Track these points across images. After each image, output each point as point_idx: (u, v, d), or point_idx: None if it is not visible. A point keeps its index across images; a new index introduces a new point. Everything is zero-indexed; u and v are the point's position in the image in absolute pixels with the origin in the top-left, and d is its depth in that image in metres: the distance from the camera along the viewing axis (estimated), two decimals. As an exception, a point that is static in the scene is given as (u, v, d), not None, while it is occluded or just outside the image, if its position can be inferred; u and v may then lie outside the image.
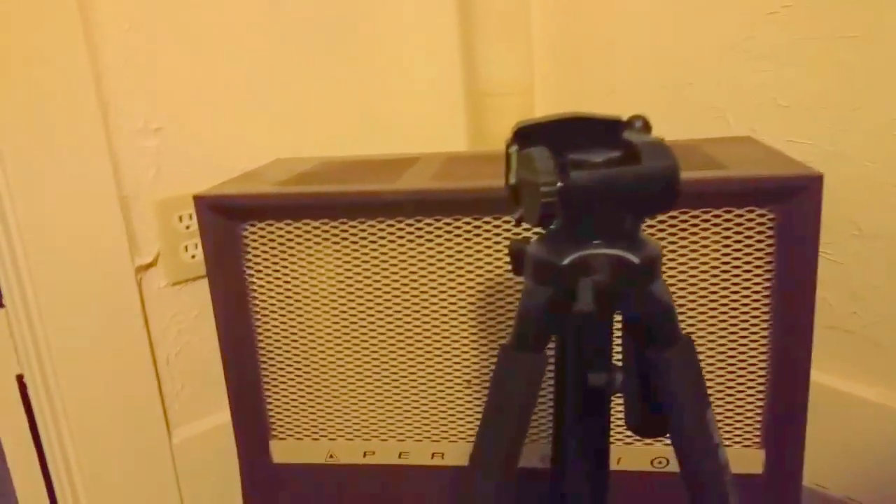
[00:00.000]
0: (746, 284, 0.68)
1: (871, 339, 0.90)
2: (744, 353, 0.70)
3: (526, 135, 0.43)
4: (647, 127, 0.44)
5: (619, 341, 0.45)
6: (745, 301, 0.68)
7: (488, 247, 0.71)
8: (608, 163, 0.40)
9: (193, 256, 0.93)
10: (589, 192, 0.40)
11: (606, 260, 0.40)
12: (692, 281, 0.68)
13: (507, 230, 0.70)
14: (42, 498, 1.04)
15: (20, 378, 0.97)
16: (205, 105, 0.94)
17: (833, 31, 0.86)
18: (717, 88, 0.98)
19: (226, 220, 0.74)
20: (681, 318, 0.69)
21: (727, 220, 0.66)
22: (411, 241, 0.72)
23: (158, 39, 0.89)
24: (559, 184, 0.39)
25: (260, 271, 0.76)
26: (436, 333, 0.74)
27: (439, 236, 0.71)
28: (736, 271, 0.67)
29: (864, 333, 0.91)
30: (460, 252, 0.72)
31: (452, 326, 0.74)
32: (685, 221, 0.67)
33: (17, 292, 0.86)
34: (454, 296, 0.73)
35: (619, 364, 0.45)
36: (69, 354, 0.87)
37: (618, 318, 0.44)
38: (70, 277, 0.85)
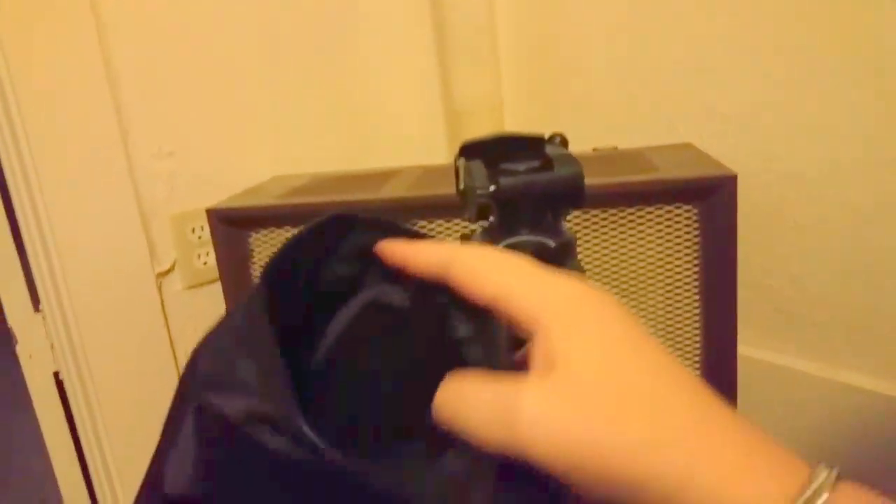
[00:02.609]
0: (678, 272, 0.79)
1: (811, 319, 1.01)
2: (679, 333, 0.81)
3: (469, 149, 0.55)
4: (564, 142, 0.56)
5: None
6: (677, 287, 0.79)
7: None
8: (529, 171, 0.52)
9: (205, 263, 1.05)
10: (514, 194, 0.51)
11: (530, 245, 0.52)
12: (630, 271, 0.80)
13: (466, 227, 0.81)
14: (80, 483, 1.15)
15: (56, 375, 1.09)
16: (211, 130, 1.05)
17: (764, 50, 0.97)
18: (669, 100, 1.09)
19: (234, 229, 0.86)
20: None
21: (658, 216, 0.78)
22: (393, 242, 0.83)
23: (168, 75, 1.00)
24: (491, 188, 0.51)
25: (264, 273, 0.88)
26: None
27: (417, 237, 0.83)
28: (668, 260, 0.79)
29: (805, 314, 1.02)
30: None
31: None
32: (623, 217, 0.78)
33: (53, 298, 0.97)
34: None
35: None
36: (100, 352, 0.97)
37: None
38: (99, 284, 0.96)
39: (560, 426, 0.26)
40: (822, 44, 0.92)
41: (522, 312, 0.28)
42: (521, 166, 0.52)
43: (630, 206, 0.78)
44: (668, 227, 0.78)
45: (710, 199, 0.75)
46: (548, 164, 0.52)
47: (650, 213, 0.78)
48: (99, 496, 1.09)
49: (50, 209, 0.91)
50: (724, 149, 1.03)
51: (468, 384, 0.28)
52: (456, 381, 0.29)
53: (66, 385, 1.04)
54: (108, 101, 0.94)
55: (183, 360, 1.06)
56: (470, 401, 0.28)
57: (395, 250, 0.33)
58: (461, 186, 0.56)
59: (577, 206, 0.54)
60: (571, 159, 0.52)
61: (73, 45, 0.91)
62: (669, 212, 0.77)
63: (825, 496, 0.25)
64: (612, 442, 0.25)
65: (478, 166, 0.52)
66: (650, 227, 0.78)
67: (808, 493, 0.25)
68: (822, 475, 0.25)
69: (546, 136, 0.55)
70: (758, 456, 0.26)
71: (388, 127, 1.24)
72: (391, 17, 1.23)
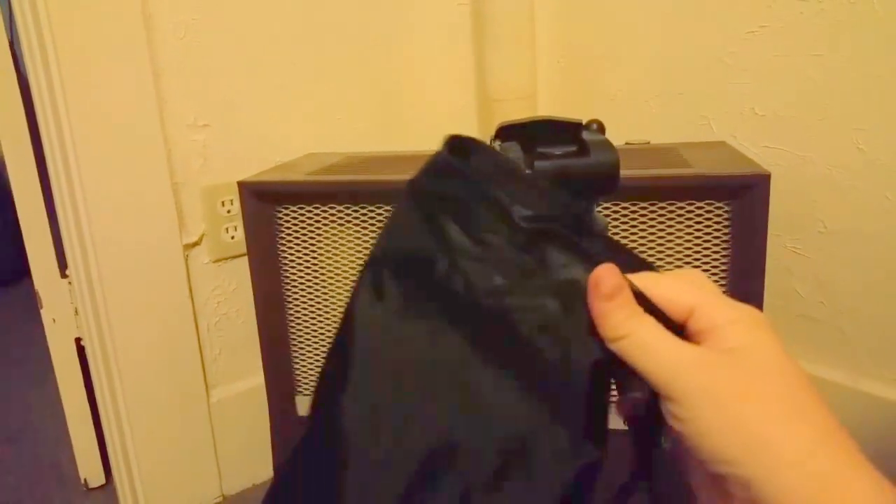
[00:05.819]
0: (707, 268, 0.78)
1: (836, 326, 1.00)
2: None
3: (505, 132, 0.55)
4: (601, 129, 0.55)
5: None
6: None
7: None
8: (565, 155, 0.52)
9: (233, 237, 1.06)
10: (549, 178, 0.51)
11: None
12: (658, 266, 0.79)
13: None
14: (94, 448, 1.17)
15: (78, 341, 1.10)
16: (246, 105, 1.05)
17: (801, 50, 0.96)
18: (704, 97, 1.08)
19: (264, 203, 0.86)
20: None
21: (689, 212, 0.77)
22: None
23: (208, 47, 1.01)
24: (527, 171, 0.51)
25: (291, 248, 0.89)
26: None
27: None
28: (697, 256, 0.78)
29: (830, 321, 1.01)
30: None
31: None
32: (654, 212, 0.78)
33: (80, 264, 0.98)
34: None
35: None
36: (123, 320, 0.98)
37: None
38: (126, 253, 0.96)
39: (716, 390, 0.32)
40: (860, 47, 0.91)
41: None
42: (558, 150, 0.52)
43: (661, 200, 0.77)
44: (699, 223, 0.77)
45: (742, 198, 0.75)
46: (584, 149, 0.52)
47: (681, 208, 0.77)
48: (112, 462, 1.11)
49: (83, 174, 0.92)
50: (757, 149, 1.03)
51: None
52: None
53: (88, 351, 1.05)
54: (147, 69, 0.94)
55: (206, 333, 1.07)
56: (656, 340, 0.34)
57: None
58: (495, 169, 0.55)
59: (610, 193, 0.53)
60: (608, 146, 0.52)
61: (116, 10, 0.91)
62: (700, 208, 0.77)
63: None
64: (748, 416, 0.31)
65: (514, 148, 0.52)
66: (680, 224, 0.78)
67: None
68: None
69: (583, 122, 0.55)
70: (859, 469, 0.30)
71: (422, 111, 1.24)
72: (432, 2, 1.23)
